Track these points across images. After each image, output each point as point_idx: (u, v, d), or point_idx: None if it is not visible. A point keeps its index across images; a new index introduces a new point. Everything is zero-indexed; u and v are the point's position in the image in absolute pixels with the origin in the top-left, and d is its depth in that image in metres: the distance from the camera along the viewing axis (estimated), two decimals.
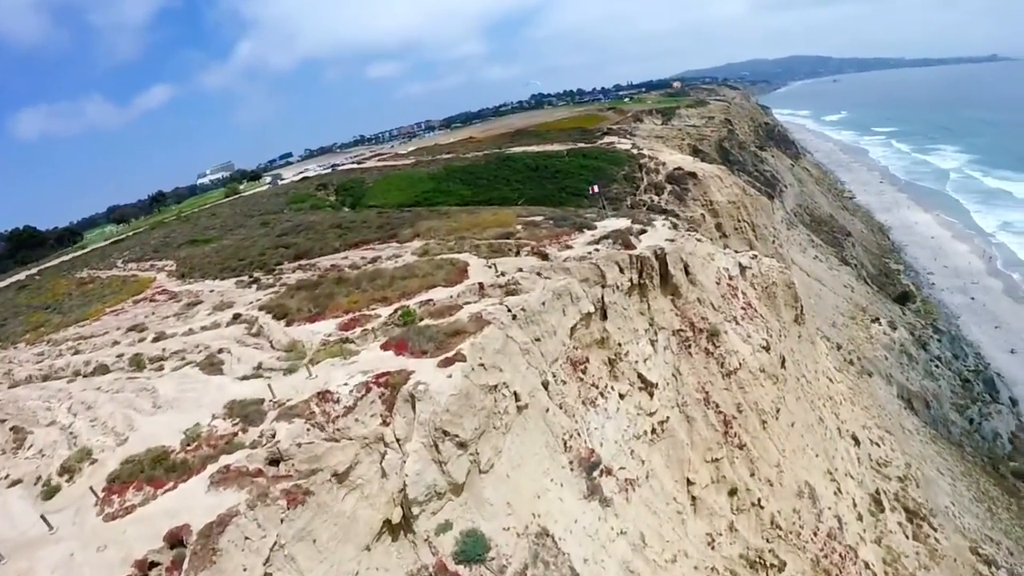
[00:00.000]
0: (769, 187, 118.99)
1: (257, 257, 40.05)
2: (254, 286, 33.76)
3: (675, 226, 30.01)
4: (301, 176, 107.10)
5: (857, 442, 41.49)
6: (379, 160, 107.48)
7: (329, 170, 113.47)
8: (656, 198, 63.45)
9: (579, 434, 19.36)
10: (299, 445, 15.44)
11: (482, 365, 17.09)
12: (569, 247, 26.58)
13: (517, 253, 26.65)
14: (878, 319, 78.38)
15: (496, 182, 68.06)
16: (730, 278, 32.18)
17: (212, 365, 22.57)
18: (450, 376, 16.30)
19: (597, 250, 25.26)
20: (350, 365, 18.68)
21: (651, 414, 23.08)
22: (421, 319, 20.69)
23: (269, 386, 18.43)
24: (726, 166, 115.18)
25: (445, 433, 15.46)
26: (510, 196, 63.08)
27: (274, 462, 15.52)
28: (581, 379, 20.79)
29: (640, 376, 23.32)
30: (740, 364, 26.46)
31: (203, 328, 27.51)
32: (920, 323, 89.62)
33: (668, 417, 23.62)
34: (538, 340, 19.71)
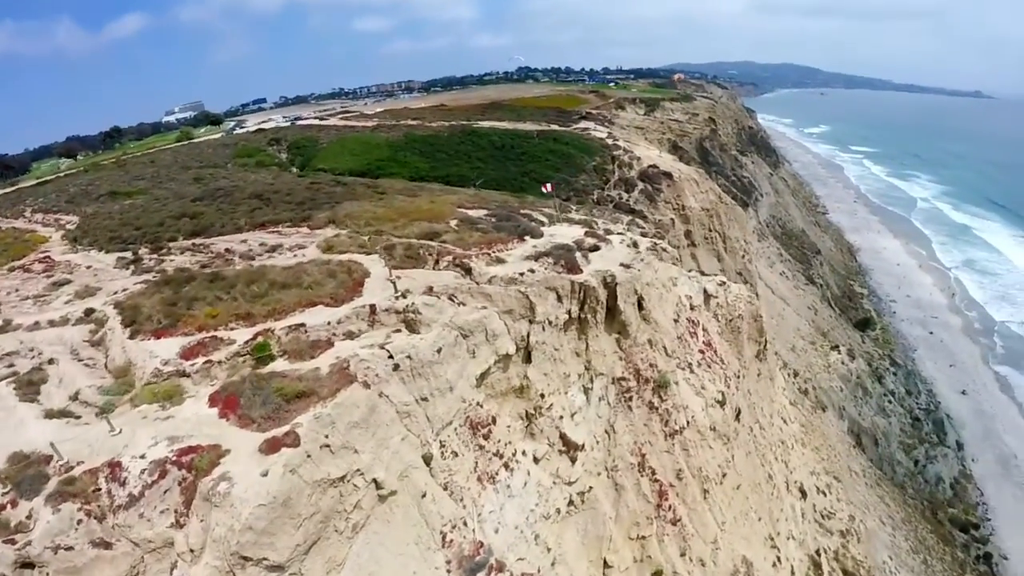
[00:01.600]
0: (745, 194, 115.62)
1: (154, 228, 34.26)
2: (132, 267, 28.21)
3: (635, 244, 25.21)
4: (257, 128, 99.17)
5: (804, 494, 38.07)
6: (342, 118, 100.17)
7: (289, 123, 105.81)
8: (625, 195, 58.71)
9: (466, 523, 14.62)
10: (56, 549, 10.63)
11: (326, 447, 12.16)
12: (501, 261, 21.54)
13: (436, 263, 21.52)
14: (838, 347, 75.86)
15: (456, 157, 62.41)
16: (691, 308, 27.76)
17: (31, 384, 17.74)
18: (266, 474, 11.31)
19: (532, 271, 20.27)
20: (164, 421, 13.67)
21: (570, 483, 18.51)
22: (276, 356, 15.61)
23: (53, 444, 13.36)
24: (704, 167, 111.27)
25: (245, 559, 10.55)
26: (468, 175, 57.58)
27: (27, 565, 10.82)
28: (481, 447, 16.03)
29: (563, 436, 18.66)
30: (688, 422, 22.04)
31: (51, 322, 22.15)
32: (878, 353, 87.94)
33: (591, 487, 19.08)
34: (426, 400, 14.82)
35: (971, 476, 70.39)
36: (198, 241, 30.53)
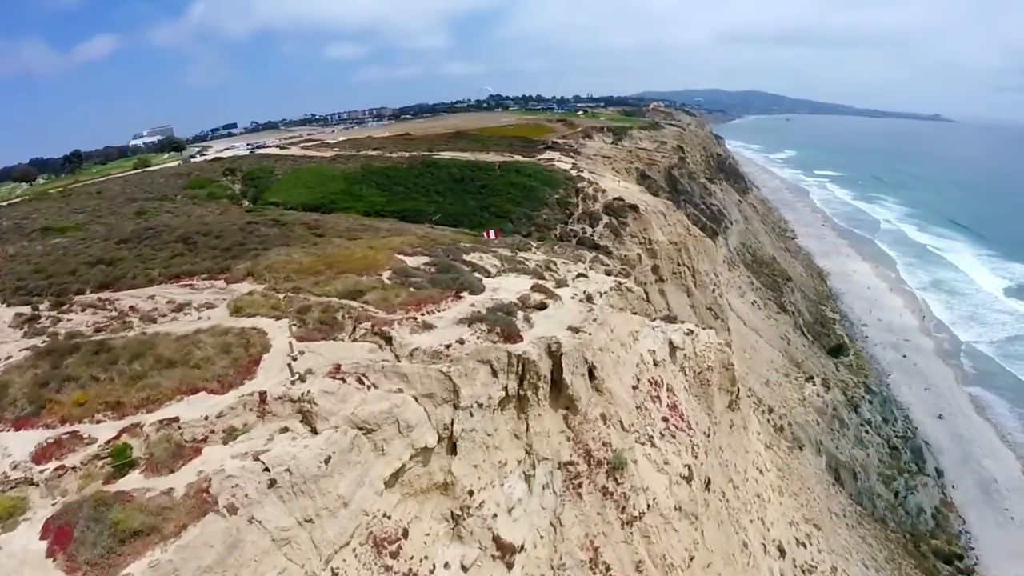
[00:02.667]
0: (715, 222, 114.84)
1: (64, 277, 30.57)
2: (26, 327, 24.62)
3: (589, 298, 22.59)
4: (215, 156, 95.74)
5: (783, 552, 35.37)
6: (303, 147, 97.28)
7: (249, 151, 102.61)
8: (590, 229, 56.52)
9: None
10: None
11: None
12: (429, 327, 18.64)
13: (354, 329, 18.53)
14: (812, 378, 74.09)
15: (414, 191, 59.82)
16: (655, 364, 25.12)
17: None
18: None
19: (463, 341, 17.38)
20: None
21: None
22: (137, 463, 12.52)
23: None
24: (673, 196, 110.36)
25: None
26: (425, 210, 55.04)
27: None
28: (388, 568, 12.97)
29: (497, 538, 15.69)
30: (649, 505, 19.24)
31: None
32: (853, 380, 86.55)
33: None
34: (311, 521, 11.79)
35: (952, 504, 68.86)
36: (105, 295, 26.96)
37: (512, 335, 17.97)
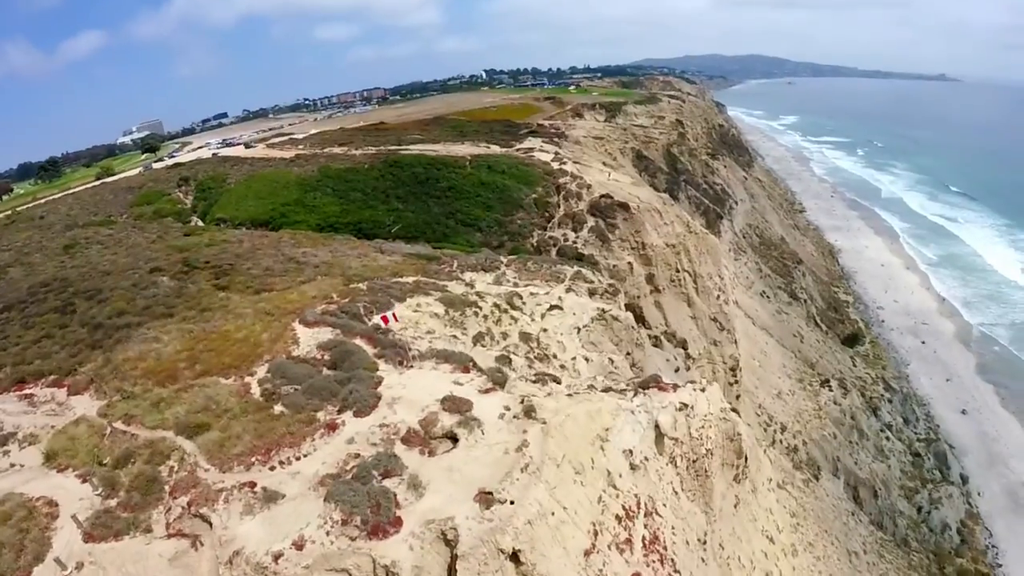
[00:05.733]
0: (719, 204, 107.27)
1: None
2: None
3: (529, 410, 15.62)
4: (174, 163, 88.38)
5: None
6: (268, 145, 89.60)
7: (213, 153, 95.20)
8: (572, 235, 49.29)
9: None
10: None
11: None
12: (272, 498, 11.99)
13: (167, 508, 11.94)
14: (828, 381, 67.24)
15: (373, 197, 52.68)
16: (632, 468, 18.41)
17: None
18: None
19: (300, 546, 10.64)
20: None
21: None
22: None
23: None
24: (672, 176, 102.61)
25: None
26: (382, 221, 48.00)
27: None
28: None
29: None
30: None
31: None
32: (871, 376, 79.85)
33: None
34: None
35: (978, 516, 63.42)
36: None
37: (380, 527, 11.10)
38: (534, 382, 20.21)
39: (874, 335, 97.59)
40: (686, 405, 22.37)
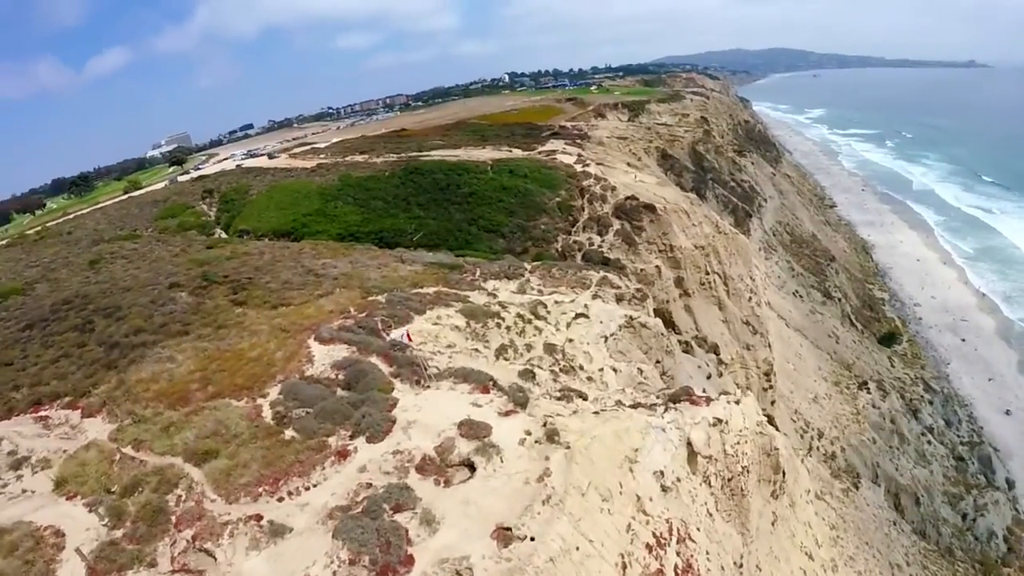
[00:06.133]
0: (747, 202, 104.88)
1: None
2: None
3: (553, 435, 14.61)
4: (199, 175, 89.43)
5: None
6: (291, 155, 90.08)
7: (237, 164, 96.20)
8: (597, 239, 48.10)
9: None
10: None
11: None
12: (278, 533, 11.35)
13: (173, 541, 11.35)
14: (866, 383, 64.84)
15: (394, 204, 52.15)
16: (664, 491, 17.39)
17: None
18: None
19: None
20: None
21: None
22: None
23: None
24: (699, 175, 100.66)
25: None
26: (404, 229, 47.43)
27: None
28: None
29: None
30: None
31: None
32: (909, 377, 77.03)
33: None
34: None
35: None
36: None
37: (389, 567, 10.26)
38: (559, 399, 19.25)
39: (911, 333, 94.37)
40: (720, 420, 21.20)
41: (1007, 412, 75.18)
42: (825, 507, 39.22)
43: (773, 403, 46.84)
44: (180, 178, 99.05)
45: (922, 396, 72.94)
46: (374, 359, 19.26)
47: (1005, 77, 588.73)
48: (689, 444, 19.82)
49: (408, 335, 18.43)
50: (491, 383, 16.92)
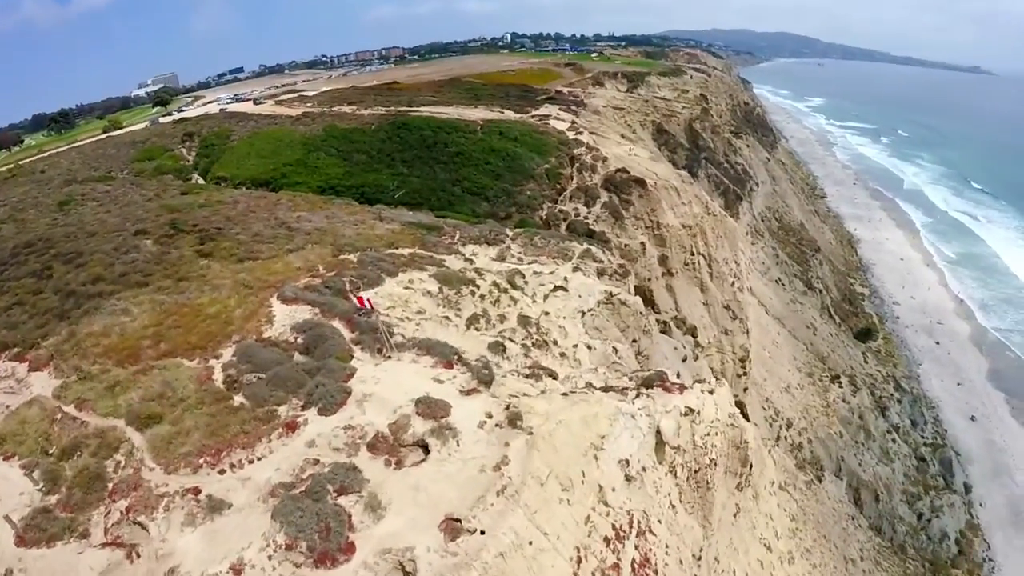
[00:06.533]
0: (739, 184, 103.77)
1: None
2: None
3: (514, 419, 13.73)
4: (180, 118, 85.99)
5: None
6: (277, 102, 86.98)
7: (221, 108, 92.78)
8: (584, 210, 46.97)
9: None
10: None
11: None
12: (216, 508, 10.55)
13: (107, 511, 10.56)
14: (839, 377, 65.17)
15: (379, 158, 50.47)
16: (628, 480, 16.80)
17: None
18: None
19: (239, 571, 9.08)
20: None
21: None
22: None
23: None
24: (694, 153, 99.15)
25: None
26: (386, 185, 45.91)
27: None
28: None
29: None
30: None
31: None
32: (881, 374, 77.69)
33: None
34: None
35: (978, 527, 62.16)
36: None
37: (328, 555, 9.42)
38: (528, 376, 18.43)
39: (888, 331, 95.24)
40: (692, 410, 20.59)
41: (972, 418, 76.32)
42: (787, 498, 39.35)
43: (746, 390, 46.70)
44: (162, 120, 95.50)
45: (892, 394, 73.66)
46: (336, 323, 18.23)
47: (1007, 85, 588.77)
48: (658, 433, 19.19)
49: (363, 300, 17.23)
50: (456, 357, 15.99)
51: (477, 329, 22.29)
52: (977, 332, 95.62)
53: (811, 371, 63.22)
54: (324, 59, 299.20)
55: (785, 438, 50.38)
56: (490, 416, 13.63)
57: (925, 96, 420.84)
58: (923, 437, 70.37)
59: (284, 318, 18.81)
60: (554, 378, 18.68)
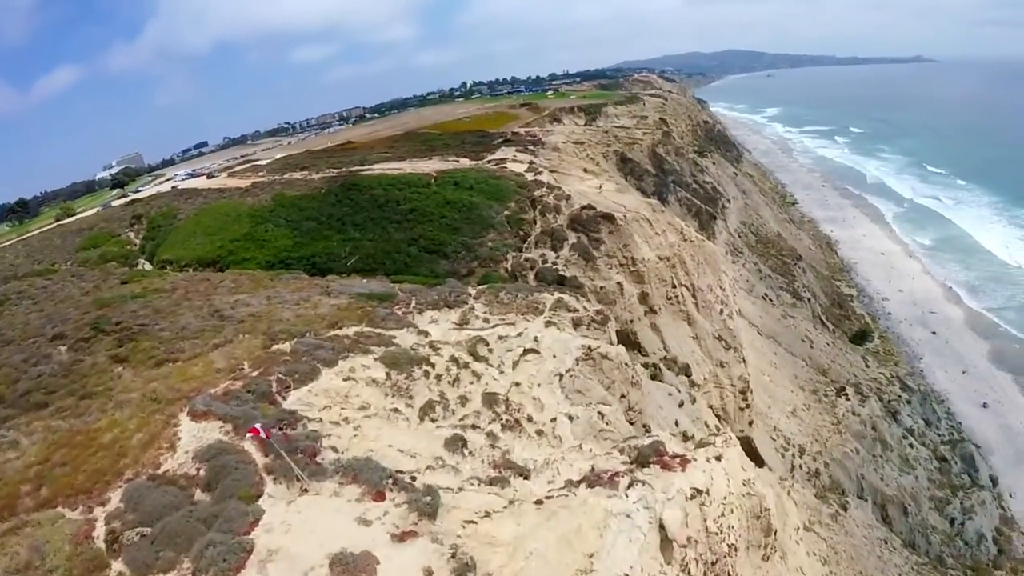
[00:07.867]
0: (710, 203, 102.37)
1: None
2: None
3: (465, 572, 10.33)
4: (131, 199, 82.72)
5: None
6: (230, 174, 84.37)
7: (173, 186, 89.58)
8: (552, 255, 44.03)
9: None
10: None
11: None
12: None
13: None
14: (844, 389, 62.00)
15: (329, 224, 47.47)
16: None
17: None
18: None
19: None
20: None
21: None
22: None
23: None
24: (660, 178, 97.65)
25: None
26: (338, 252, 42.75)
27: None
28: None
29: None
30: None
31: None
32: (885, 377, 74.82)
33: None
34: None
35: (1012, 519, 58.82)
36: None
37: None
38: (491, 482, 14.92)
39: (883, 329, 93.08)
40: (699, 491, 17.01)
41: (984, 405, 74.09)
42: (815, 539, 35.67)
43: (751, 423, 43.25)
44: (114, 203, 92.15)
45: (900, 396, 70.69)
46: (249, 445, 14.66)
47: (950, 71, 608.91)
48: (662, 527, 15.66)
49: (257, 430, 13.54)
50: (391, 482, 12.49)
51: (432, 420, 18.81)
52: (970, 316, 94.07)
53: (815, 388, 60.05)
54: (287, 125, 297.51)
55: (800, 467, 46.82)
56: (430, 574, 10.10)
57: (872, 92, 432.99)
58: (939, 435, 67.32)
59: (189, 441, 15.30)
60: (526, 478, 15.16)
